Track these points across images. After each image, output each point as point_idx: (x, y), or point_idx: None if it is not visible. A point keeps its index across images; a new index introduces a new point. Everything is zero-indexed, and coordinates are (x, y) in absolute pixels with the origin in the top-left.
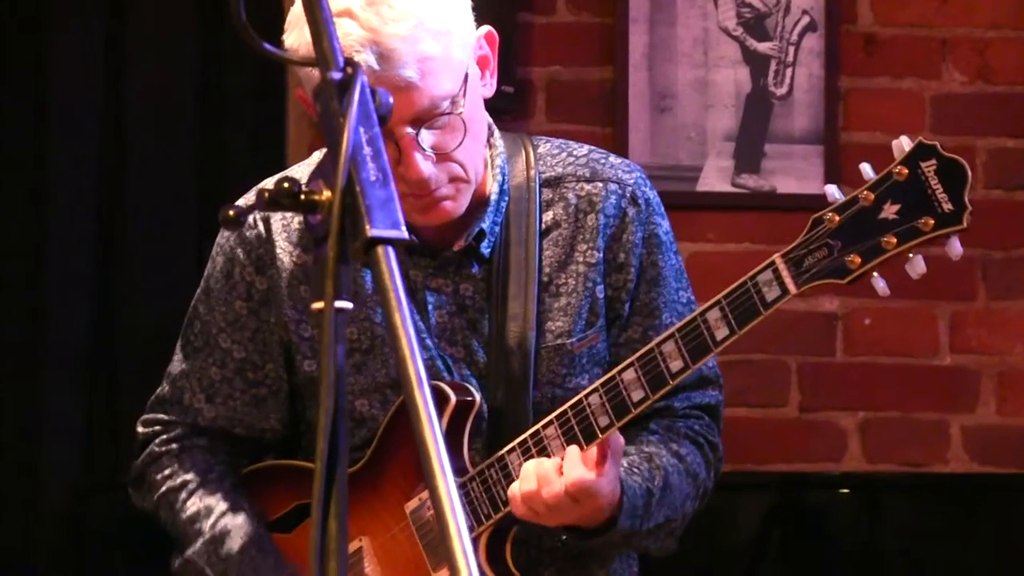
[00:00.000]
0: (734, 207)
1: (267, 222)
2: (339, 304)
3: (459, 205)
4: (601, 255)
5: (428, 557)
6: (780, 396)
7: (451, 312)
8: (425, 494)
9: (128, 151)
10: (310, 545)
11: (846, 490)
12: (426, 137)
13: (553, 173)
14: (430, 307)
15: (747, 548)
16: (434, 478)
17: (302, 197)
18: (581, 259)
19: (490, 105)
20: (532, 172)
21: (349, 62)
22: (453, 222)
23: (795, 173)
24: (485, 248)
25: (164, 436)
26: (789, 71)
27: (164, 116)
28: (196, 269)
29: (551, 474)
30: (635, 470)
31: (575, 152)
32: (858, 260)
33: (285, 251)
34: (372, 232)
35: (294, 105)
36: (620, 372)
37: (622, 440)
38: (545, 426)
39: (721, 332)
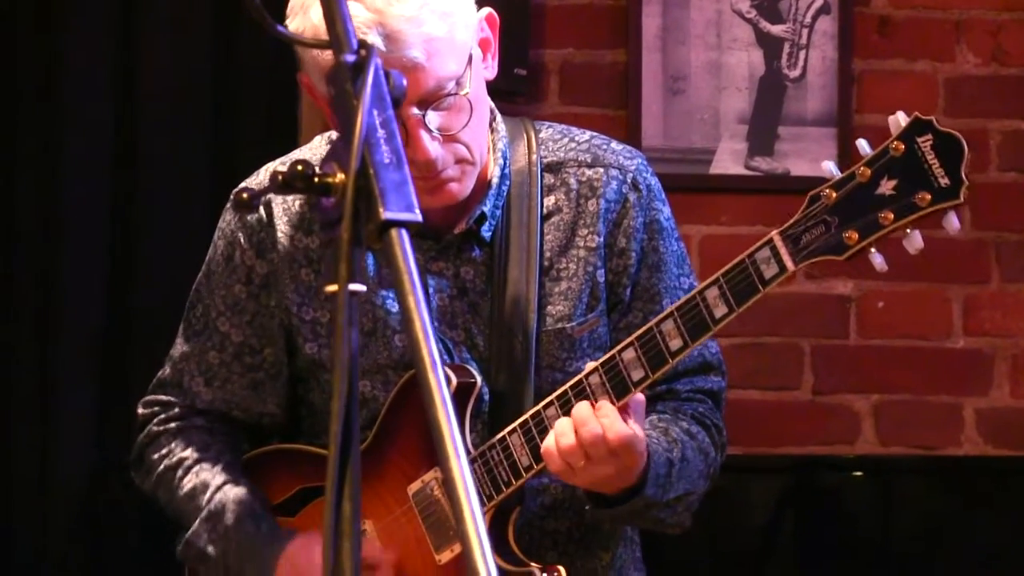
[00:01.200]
0: (747, 190)
1: (268, 206)
2: (353, 287)
3: (464, 187)
4: (602, 240)
5: (431, 538)
6: (793, 379)
7: (452, 295)
8: (428, 476)
9: (141, 138)
10: (323, 528)
11: (859, 473)
12: (432, 118)
13: (555, 158)
14: (431, 290)
15: (760, 531)
16: (448, 459)
17: (316, 180)
18: (582, 244)
19: (503, 88)
20: (534, 157)
21: (363, 44)
22: (455, 205)
23: (808, 155)
24: (486, 231)
25: (162, 416)
26: (802, 53)
27: (178, 104)
28: None
29: (591, 421)
30: (655, 440)
31: (577, 138)
32: (855, 236)
33: (286, 235)
34: (386, 215)
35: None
36: (620, 351)
37: (643, 398)
38: (546, 407)
39: (720, 310)
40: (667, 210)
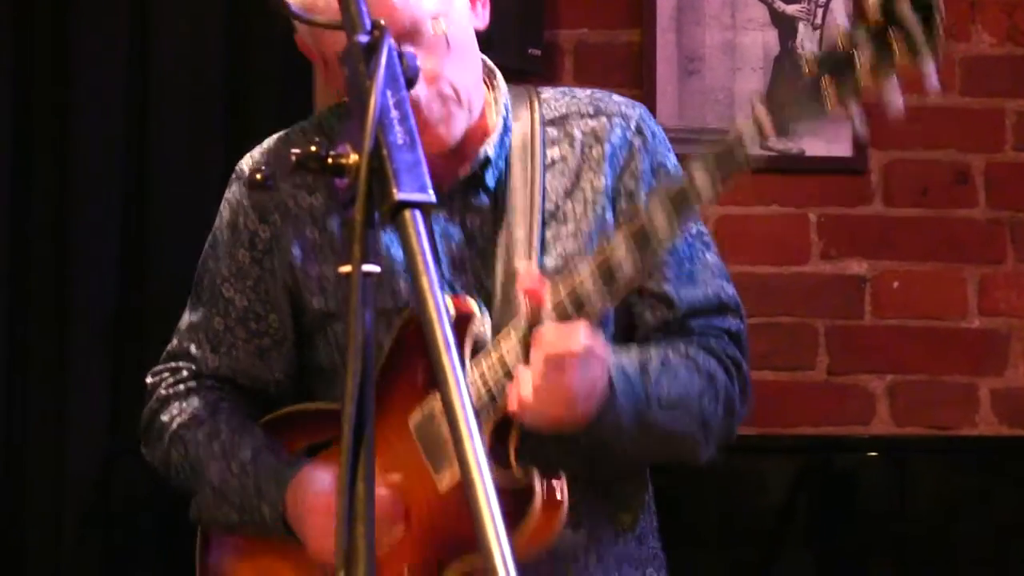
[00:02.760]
0: (762, 170)
1: (272, 169)
2: (367, 268)
3: (451, 130)
4: (609, 182)
5: (430, 462)
6: (808, 359)
7: (458, 243)
8: (427, 407)
9: (154, 119)
10: (337, 510)
11: (874, 453)
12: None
13: (557, 113)
14: (437, 236)
15: (775, 512)
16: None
17: (329, 161)
18: (588, 187)
19: (518, 67)
20: (536, 115)
21: (376, 25)
22: (458, 154)
23: (824, 135)
24: (490, 180)
25: (171, 380)
26: (817, 34)
27: (191, 94)
28: None
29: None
30: (622, 353)
31: (578, 94)
32: (834, 91)
33: (290, 195)
34: (399, 196)
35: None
36: (609, 246)
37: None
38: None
39: (706, 192)
40: (674, 158)
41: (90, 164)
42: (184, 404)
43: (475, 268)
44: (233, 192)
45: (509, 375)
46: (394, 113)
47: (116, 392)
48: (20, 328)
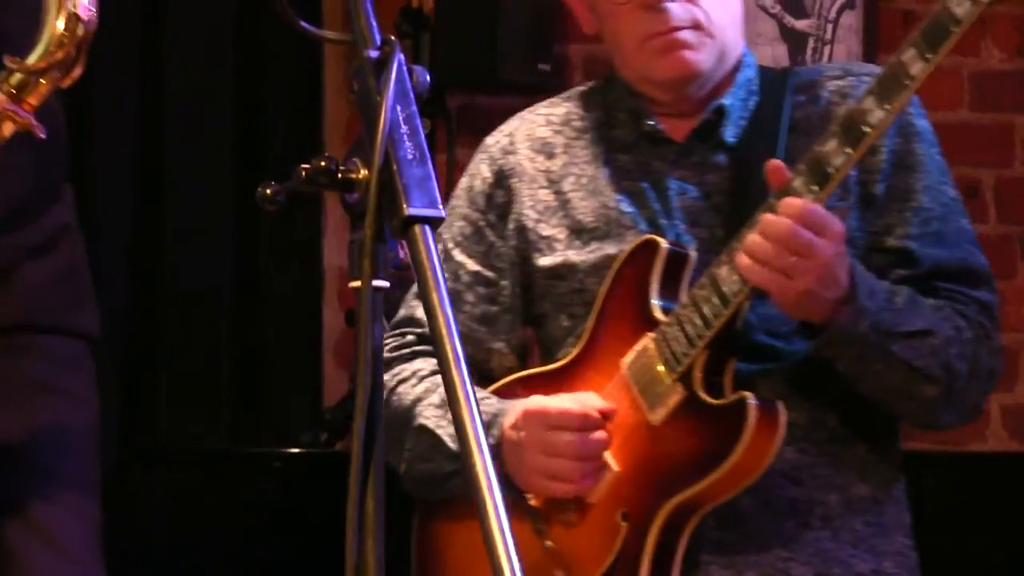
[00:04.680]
0: None
1: (512, 135)
2: (377, 283)
3: (699, 57)
4: None
5: (643, 398)
6: None
7: (695, 197)
8: (640, 345)
9: (166, 129)
10: (347, 525)
11: None
12: None
13: (807, 79)
14: (672, 192)
15: None
16: (471, 455)
17: (339, 175)
18: None
19: (528, 82)
20: (786, 82)
21: (386, 40)
22: (696, 102)
23: None
24: (730, 137)
25: (395, 344)
26: (827, 48)
27: (202, 97)
28: (234, 247)
29: (772, 217)
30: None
31: (830, 64)
32: None
33: (527, 158)
34: (410, 211)
35: (331, 82)
36: (821, 144)
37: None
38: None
39: (916, 67)
40: (927, 123)
41: (102, 166)
42: (406, 364)
43: (710, 223)
44: (474, 160)
45: (722, 295)
46: (404, 128)
47: (128, 401)
48: None
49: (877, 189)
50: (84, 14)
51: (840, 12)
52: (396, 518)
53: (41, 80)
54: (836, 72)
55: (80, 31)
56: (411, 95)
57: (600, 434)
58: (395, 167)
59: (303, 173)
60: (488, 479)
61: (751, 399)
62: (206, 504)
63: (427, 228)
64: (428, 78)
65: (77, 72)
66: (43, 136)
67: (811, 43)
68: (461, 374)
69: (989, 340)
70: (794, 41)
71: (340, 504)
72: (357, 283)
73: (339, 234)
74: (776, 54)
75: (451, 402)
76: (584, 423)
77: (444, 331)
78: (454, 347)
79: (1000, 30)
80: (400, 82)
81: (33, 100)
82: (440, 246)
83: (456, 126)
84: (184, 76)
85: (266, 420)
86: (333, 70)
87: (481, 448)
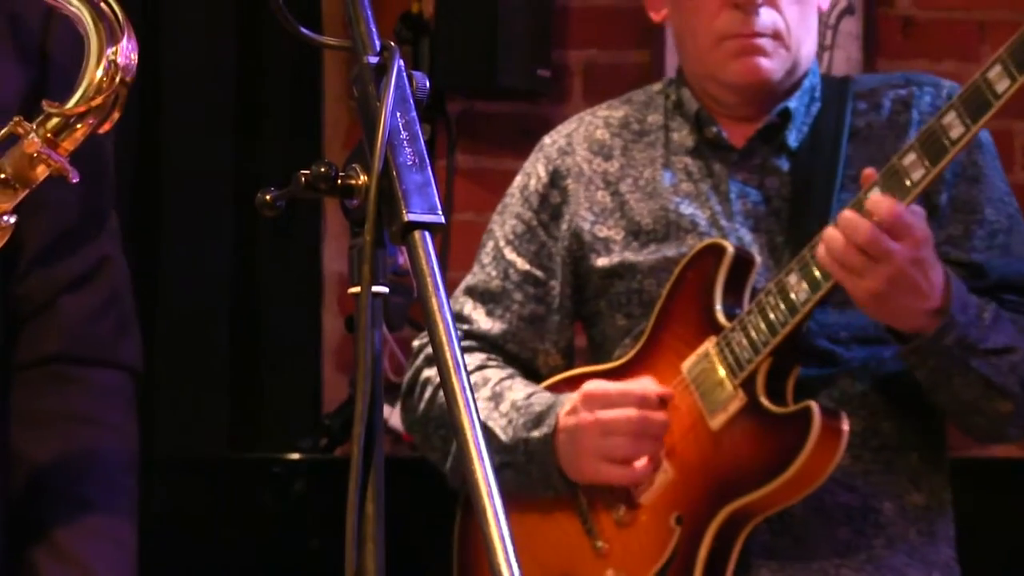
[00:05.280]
0: None
1: (570, 136)
2: (376, 289)
3: (772, 67)
4: None
5: (704, 403)
6: None
7: (756, 201)
8: (701, 349)
9: (166, 135)
10: (346, 531)
11: None
12: None
13: (866, 87)
14: (733, 196)
15: None
16: (472, 463)
17: (339, 182)
18: (892, 150)
19: (526, 89)
20: (848, 90)
21: (385, 46)
22: (758, 104)
23: None
24: (793, 141)
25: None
26: (827, 54)
27: (202, 102)
28: (232, 257)
29: (856, 217)
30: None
31: (892, 74)
32: None
33: (585, 159)
34: (409, 216)
35: (331, 88)
36: (900, 158)
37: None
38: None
39: (1002, 84)
40: (987, 135)
41: None
42: None
43: (769, 227)
44: (531, 159)
45: (789, 303)
46: (403, 134)
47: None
48: None
49: (940, 200)
50: (123, 61)
51: (839, 18)
52: (437, 513)
53: (78, 125)
54: (897, 81)
55: (119, 78)
56: (411, 101)
57: (659, 414)
58: (395, 173)
59: (303, 179)
60: (489, 485)
61: (816, 408)
62: (206, 510)
63: (426, 234)
64: (428, 84)
65: (115, 117)
66: (75, 180)
67: None
68: (461, 381)
69: None
70: None
71: (340, 510)
72: (357, 289)
73: (339, 240)
74: None
75: (450, 409)
76: (644, 401)
77: (444, 338)
78: (455, 354)
79: (999, 36)
80: (400, 88)
81: (68, 145)
82: (492, 243)
83: (455, 132)
84: (184, 81)
85: (266, 426)
86: (333, 76)
87: (482, 455)
